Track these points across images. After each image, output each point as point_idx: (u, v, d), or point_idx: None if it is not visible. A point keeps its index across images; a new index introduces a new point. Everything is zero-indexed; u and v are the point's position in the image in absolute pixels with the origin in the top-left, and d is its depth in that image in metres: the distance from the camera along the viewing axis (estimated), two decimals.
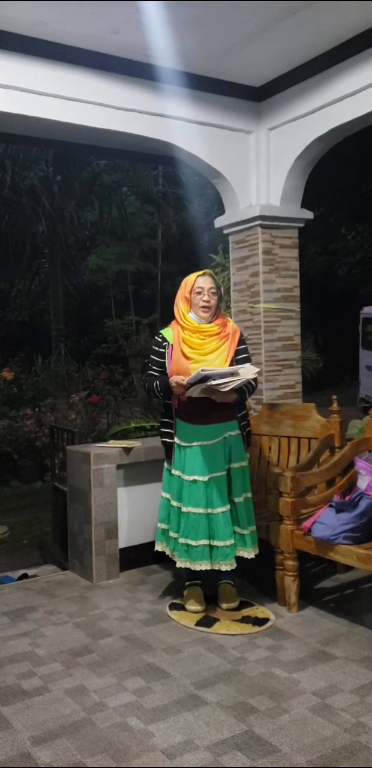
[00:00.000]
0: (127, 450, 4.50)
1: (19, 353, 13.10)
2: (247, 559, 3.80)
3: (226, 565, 3.69)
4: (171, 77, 4.59)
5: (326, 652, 3.27)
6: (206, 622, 3.67)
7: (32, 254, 15.33)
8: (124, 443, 4.65)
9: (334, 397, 4.36)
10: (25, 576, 5.33)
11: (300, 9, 3.97)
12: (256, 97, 5.11)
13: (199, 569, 3.71)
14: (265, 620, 3.66)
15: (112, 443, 4.69)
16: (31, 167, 13.86)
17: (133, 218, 16.90)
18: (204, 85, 4.82)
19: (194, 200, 15.75)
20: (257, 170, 5.20)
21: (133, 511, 4.58)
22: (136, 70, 4.52)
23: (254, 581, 4.19)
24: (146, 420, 6.28)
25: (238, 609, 3.80)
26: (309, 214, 5.34)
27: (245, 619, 3.68)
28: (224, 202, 5.41)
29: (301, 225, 5.35)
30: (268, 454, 4.64)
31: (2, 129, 5.38)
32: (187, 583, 3.94)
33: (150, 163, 13.78)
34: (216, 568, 3.71)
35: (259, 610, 3.79)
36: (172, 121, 4.76)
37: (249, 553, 3.77)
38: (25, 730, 2.68)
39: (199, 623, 3.66)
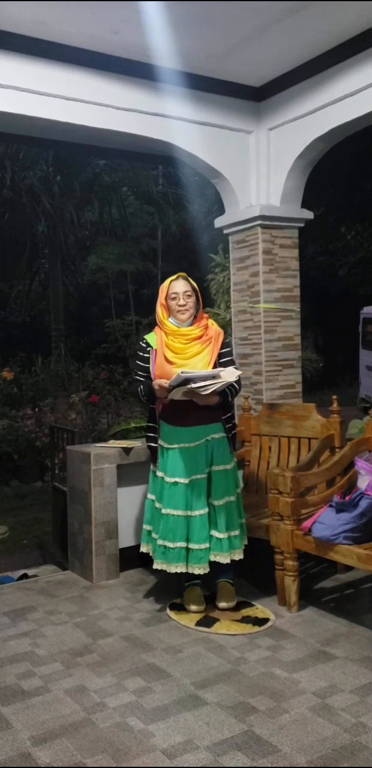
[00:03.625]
0: (127, 450, 4.50)
1: (20, 353, 13.10)
2: (243, 559, 3.79)
3: (199, 569, 3.68)
4: (171, 77, 4.59)
5: (326, 652, 3.27)
6: (206, 622, 3.67)
7: (32, 254, 15.33)
8: (124, 443, 4.64)
9: (334, 397, 4.36)
10: (25, 576, 5.33)
11: (300, 9, 3.97)
12: (256, 97, 5.12)
13: (174, 572, 3.71)
14: (265, 620, 3.66)
15: (112, 443, 4.68)
16: (31, 167, 13.85)
17: (133, 218, 16.89)
18: (204, 85, 4.82)
19: (194, 200, 15.73)
20: (257, 170, 5.21)
21: (133, 511, 4.58)
22: (136, 70, 4.53)
23: (254, 581, 4.19)
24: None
25: (238, 609, 3.80)
26: (309, 214, 5.34)
27: (245, 619, 3.67)
28: (224, 202, 5.41)
29: (301, 225, 5.35)
30: (268, 454, 4.64)
31: (2, 129, 5.38)
32: (186, 584, 3.94)
33: (150, 163, 13.78)
34: (190, 571, 3.71)
35: (259, 610, 3.79)
36: (172, 121, 4.76)
37: (224, 558, 3.72)
38: (25, 730, 2.68)
39: (199, 623, 3.65)
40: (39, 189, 13.52)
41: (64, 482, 5.30)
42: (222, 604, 3.79)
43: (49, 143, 7.08)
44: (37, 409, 10.54)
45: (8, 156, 12.98)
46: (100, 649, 3.41)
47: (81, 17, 3.95)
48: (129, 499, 4.56)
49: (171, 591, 4.14)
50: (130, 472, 4.56)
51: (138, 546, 4.57)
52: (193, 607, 3.79)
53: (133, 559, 4.54)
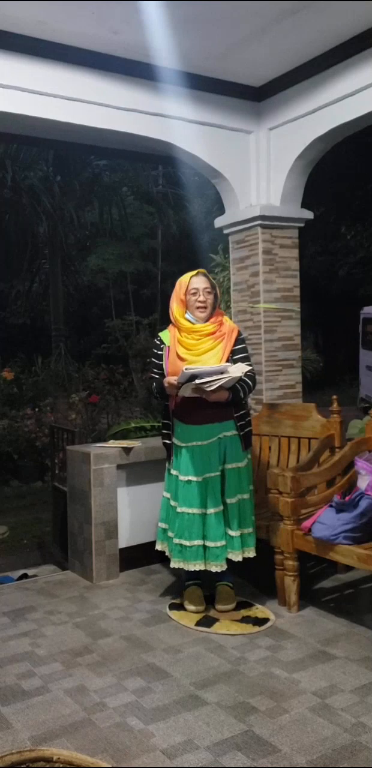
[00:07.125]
0: (127, 450, 4.50)
1: (20, 353, 13.10)
2: (247, 559, 3.78)
3: (216, 566, 3.68)
4: (171, 77, 4.59)
5: (326, 652, 3.27)
6: (206, 622, 3.67)
7: (32, 255, 15.34)
8: (124, 443, 4.64)
9: (334, 397, 4.35)
10: (25, 576, 5.33)
11: (300, 9, 3.97)
12: (256, 97, 5.11)
13: (192, 569, 3.71)
14: (265, 620, 3.66)
15: (112, 443, 4.69)
16: (31, 167, 13.86)
17: (133, 218, 16.89)
18: (204, 85, 4.82)
19: (194, 200, 15.73)
20: (257, 170, 5.20)
21: (133, 511, 4.58)
22: (136, 70, 4.52)
23: (254, 581, 4.19)
24: (146, 420, 6.27)
25: (238, 609, 3.80)
26: (309, 214, 5.34)
27: (245, 619, 3.68)
28: (224, 202, 5.41)
29: (301, 225, 5.34)
30: (268, 454, 4.64)
31: (2, 129, 5.38)
32: (186, 583, 3.94)
33: (150, 163, 13.78)
34: (208, 568, 3.71)
35: (259, 610, 3.79)
36: (172, 121, 4.76)
37: (236, 556, 3.72)
38: (25, 730, 2.68)
39: (199, 623, 3.66)
40: (39, 189, 13.54)
41: (64, 482, 5.30)
42: (220, 607, 3.79)
43: (49, 143, 7.07)
44: (37, 409, 10.54)
45: (8, 156, 12.99)
46: (100, 649, 3.41)
47: (81, 17, 3.95)
48: (129, 499, 4.57)
49: (171, 591, 4.15)
50: (130, 472, 4.56)
51: (138, 546, 4.58)
52: (193, 607, 3.79)
53: (133, 559, 4.55)
